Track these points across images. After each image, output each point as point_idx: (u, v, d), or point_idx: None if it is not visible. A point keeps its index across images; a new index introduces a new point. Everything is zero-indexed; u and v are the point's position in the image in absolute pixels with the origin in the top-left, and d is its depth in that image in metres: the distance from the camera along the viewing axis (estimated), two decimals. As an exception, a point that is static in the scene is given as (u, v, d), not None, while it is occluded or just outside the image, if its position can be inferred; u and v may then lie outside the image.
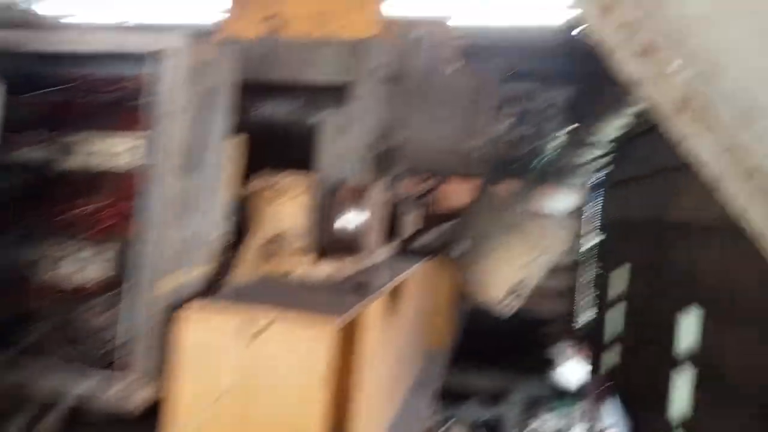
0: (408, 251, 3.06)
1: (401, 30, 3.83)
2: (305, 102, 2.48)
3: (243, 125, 2.23)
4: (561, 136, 2.65)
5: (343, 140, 2.33)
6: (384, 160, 2.73)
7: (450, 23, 4.88)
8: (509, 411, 15.21)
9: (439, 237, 3.36)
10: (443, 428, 13.34)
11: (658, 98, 1.36)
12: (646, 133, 13.94)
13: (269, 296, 1.90)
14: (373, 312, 2.51)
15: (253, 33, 2.78)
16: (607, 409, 17.79)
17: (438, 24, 4.32)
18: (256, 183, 2.11)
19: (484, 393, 15.44)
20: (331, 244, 2.28)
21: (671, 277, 11.37)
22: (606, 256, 19.33)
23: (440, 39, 4.16)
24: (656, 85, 1.26)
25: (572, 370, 18.71)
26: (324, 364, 1.63)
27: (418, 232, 3.18)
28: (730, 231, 8.98)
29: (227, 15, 3.10)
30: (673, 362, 10.82)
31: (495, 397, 15.47)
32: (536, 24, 12.73)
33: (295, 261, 2.10)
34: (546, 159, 2.77)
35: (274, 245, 2.08)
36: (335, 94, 2.44)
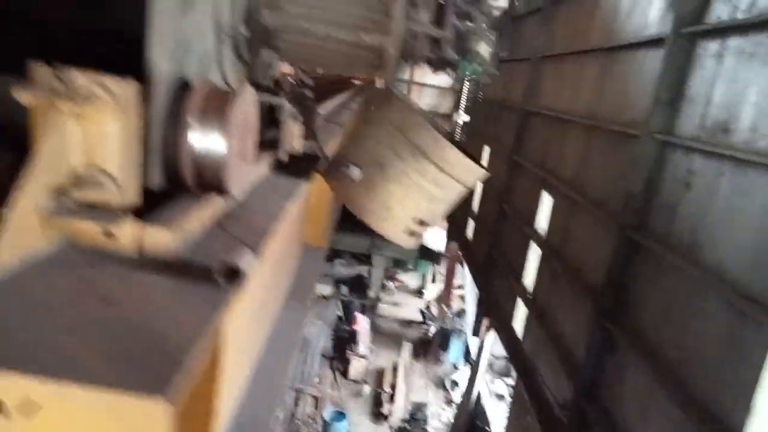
0: (284, 170, 2.29)
1: None
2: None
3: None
4: (486, 36, 1.93)
5: (189, 17, 1.41)
6: (249, 49, 1.83)
7: None
8: (373, 270, 15.79)
9: (323, 155, 2.59)
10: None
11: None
12: (524, 17, 13.39)
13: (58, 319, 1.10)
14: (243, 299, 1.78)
15: None
16: (460, 272, 19.20)
17: None
18: (39, 84, 1.18)
19: (350, 253, 15.70)
20: (179, 180, 1.47)
21: (528, 162, 11.59)
22: (471, 136, 19.72)
23: None
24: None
25: (433, 237, 19.78)
26: None
27: (302, 149, 2.37)
28: (588, 126, 8.95)
29: None
30: (526, 239, 11.48)
31: (361, 257, 15.86)
32: None
33: (113, 216, 1.27)
34: (472, 63, 2.04)
35: (73, 187, 1.22)
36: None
